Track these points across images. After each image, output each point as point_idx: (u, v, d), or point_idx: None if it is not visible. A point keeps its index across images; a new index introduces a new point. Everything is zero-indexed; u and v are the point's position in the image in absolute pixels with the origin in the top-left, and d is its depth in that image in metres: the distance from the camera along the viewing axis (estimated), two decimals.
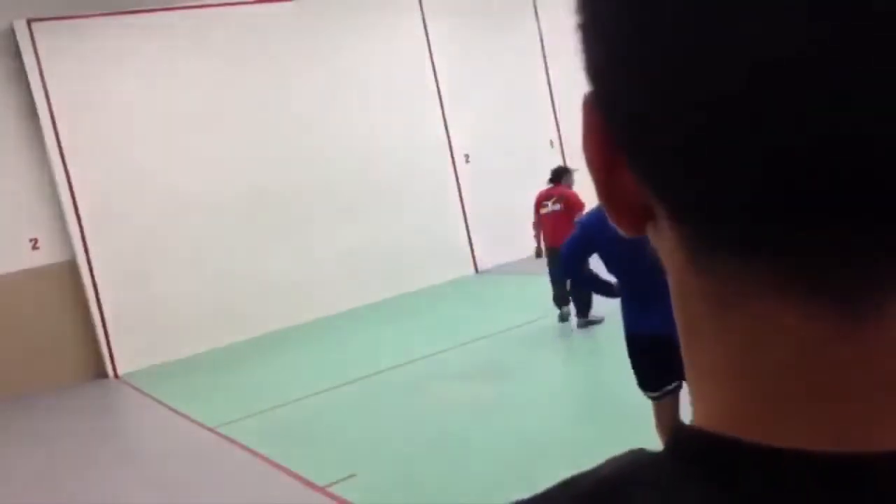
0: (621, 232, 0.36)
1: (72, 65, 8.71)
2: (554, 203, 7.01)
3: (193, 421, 6.29)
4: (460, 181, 10.86)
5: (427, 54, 10.69)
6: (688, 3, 0.28)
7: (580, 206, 6.77)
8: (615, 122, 0.33)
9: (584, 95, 0.34)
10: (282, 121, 9.66)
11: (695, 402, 0.35)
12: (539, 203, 7.16)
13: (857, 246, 0.28)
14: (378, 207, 10.18)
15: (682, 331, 0.35)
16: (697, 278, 0.33)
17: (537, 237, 7.33)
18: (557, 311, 7.21)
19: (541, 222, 7.16)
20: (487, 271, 10.81)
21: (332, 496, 4.29)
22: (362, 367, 6.85)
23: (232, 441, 5.57)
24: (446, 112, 10.77)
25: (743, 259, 0.30)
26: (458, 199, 10.86)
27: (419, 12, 10.59)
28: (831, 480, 0.29)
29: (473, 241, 10.89)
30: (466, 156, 10.86)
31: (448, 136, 10.80)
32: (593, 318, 6.89)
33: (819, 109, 0.26)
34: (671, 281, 0.35)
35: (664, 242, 0.34)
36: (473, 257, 10.89)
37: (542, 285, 7.43)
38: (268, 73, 9.62)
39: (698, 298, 0.33)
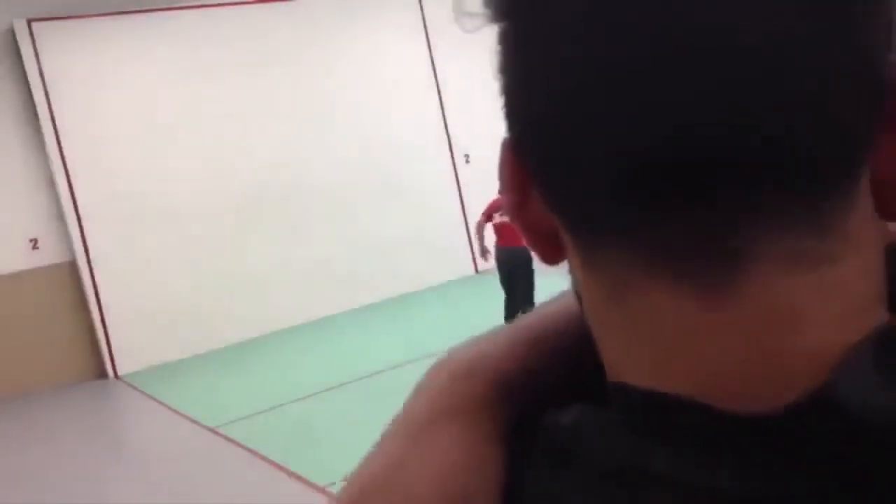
0: (541, 261, 0.40)
1: (72, 65, 8.71)
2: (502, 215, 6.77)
3: (193, 421, 6.29)
4: (460, 181, 10.86)
5: (427, 54, 10.69)
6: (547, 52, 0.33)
7: None
8: (521, 149, 0.37)
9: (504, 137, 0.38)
10: (281, 120, 9.66)
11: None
12: (494, 210, 6.97)
13: (710, 231, 0.32)
14: (377, 207, 10.18)
15: (592, 326, 0.39)
16: (592, 277, 0.37)
17: (482, 238, 7.15)
18: None
19: (494, 226, 6.96)
20: (487, 271, 10.81)
21: (332, 496, 4.29)
22: (363, 366, 6.85)
23: (232, 441, 5.57)
24: (446, 112, 10.77)
25: (617, 252, 0.34)
26: (458, 199, 10.86)
27: (419, 12, 10.59)
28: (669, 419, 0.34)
29: (473, 241, 10.89)
30: (466, 156, 10.86)
31: (448, 136, 10.80)
32: None
33: (652, 114, 0.31)
34: (576, 289, 0.39)
35: (571, 260, 0.38)
36: (473, 257, 10.89)
37: (543, 285, 7.43)
38: (267, 72, 9.62)
39: (595, 294, 0.37)
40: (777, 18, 0.30)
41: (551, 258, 0.39)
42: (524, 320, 0.47)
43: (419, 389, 0.45)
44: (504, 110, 0.37)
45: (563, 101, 0.33)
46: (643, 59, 0.31)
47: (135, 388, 8.09)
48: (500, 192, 0.40)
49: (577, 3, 0.32)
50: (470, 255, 10.89)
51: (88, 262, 8.76)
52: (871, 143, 0.33)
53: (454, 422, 0.42)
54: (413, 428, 0.43)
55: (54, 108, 8.65)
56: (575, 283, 0.40)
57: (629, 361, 0.36)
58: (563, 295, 0.46)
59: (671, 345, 0.34)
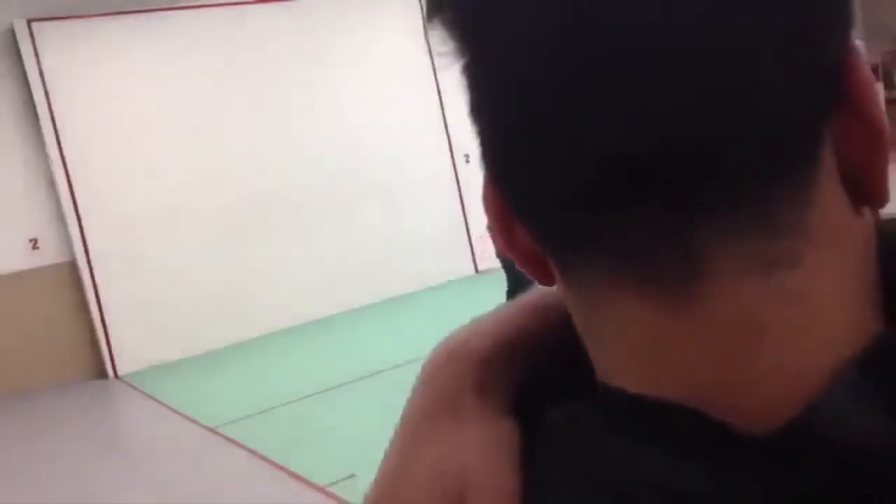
0: (537, 283, 0.41)
1: (72, 65, 8.71)
2: None
3: (193, 421, 6.29)
4: (460, 181, 10.86)
5: (427, 54, 10.69)
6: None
7: None
8: (495, 178, 0.38)
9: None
10: (281, 121, 9.66)
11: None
12: None
13: (667, 237, 0.32)
14: (377, 207, 10.18)
15: (578, 329, 0.40)
16: (571, 293, 0.37)
17: None
18: None
19: None
20: (487, 271, 10.81)
21: (331, 496, 4.29)
22: (362, 366, 6.85)
23: (232, 441, 5.57)
24: (446, 112, 10.77)
25: (587, 266, 0.35)
26: (458, 199, 10.86)
27: (419, 11, 10.59)
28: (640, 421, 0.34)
29: (473, 241, 10.89)
30: (466, 156, 10.85)
31: (448, 136, 10.80)
32: None
33: (599, 127, 0.31)
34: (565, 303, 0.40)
35: (558, 283, 0.39)
36: (473, 257, 10.89)
37: None
38: (267, 73, 9.62)
39: (577, 310, 0.38)
40: (714, 16, 0.30)
41: (545, 280, 0.40)
42: (524, 295, 0.48)
43: (418, 381, 0.46)
44: (477, 141, 0.38)
45: (516, 124, 0.34)
46: (584, 78, 0.31)
47: (135, 388, 8.08)
48: (489, 222, 0.41)
49: (520, 29, 0.33)
50: (470, 255, 10.89)
51: (88, 262, 8.76)
52: (822, 133, 0.32)
53: (446, 414, 0.43)
54: (412, 425, 0.44)
55: (54, 108, 8.64)
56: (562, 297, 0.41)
57: (615, 369, 0.37)
58: None
59: (648, 353, 0.34)
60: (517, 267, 0.41)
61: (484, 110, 0.36)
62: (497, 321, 0.46)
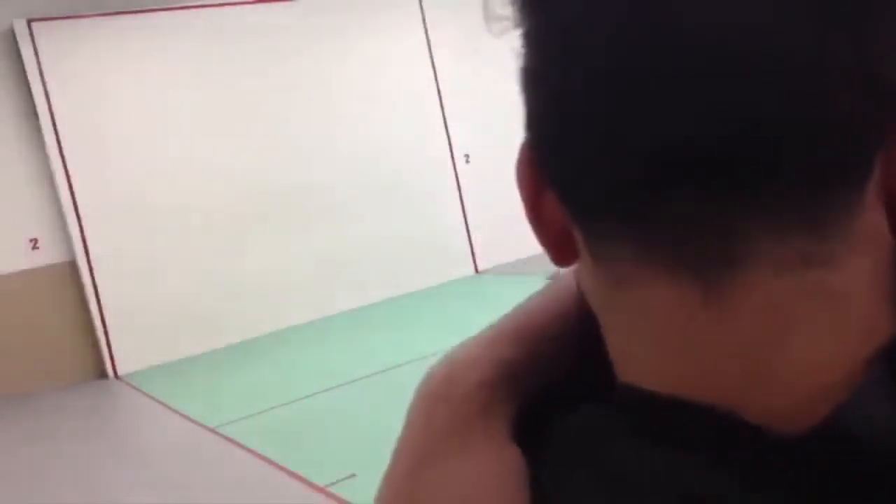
0: (551, 260, 0.41)
1: (72, 65, 8.71)
2: None
3: (193, 421, 6.29)
4: (460, 181, 10.86)
5: (427, 54, 10.69)
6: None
7: None
8: (537, 146, 0.38)
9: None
10: (281, 121, 9.66)
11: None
12: None
13: (709, 225, 0.32)
14: (377, 208, 10.18)
15: (600, 321, 0.39)
16: (599, 270, 0.37)
17: None
18: None
19: None
20: (487, 271, 10.81)
21: (332, 496, 4.29)
22: (362, 367, 6.85)
23: (232, 441, 5.57)
24: (446, 112, 10.77)
25: (622, 243, 0.35)
26: (458, 199, 10.86)
27: (419, 12, 10.59)
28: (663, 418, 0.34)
29: (473, 241, 10.89)
30: (466, 156, 10.86)
31: (448, 136, 10.80)
32: None
33: (662, 113, 0.32)
34: (585, 286, 0.40)
35: (581, 254, 0.39)
36: (473, 257, 10.89)
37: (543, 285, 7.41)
38: (268, 73, 9.62)
39: (603, 288, 0.37)
40: (780, 22, 0.30)
41: (563, 258, 0.40)
42: (510, 315, 0.48)
43: (411, 415, 0.45)
44: (524, 109, 0.39)
45: (577, 98, 0.34)
46: (652, 61, 0.31)
47: (135, 388, 8.08)
48: (518, 186, 0.42)
49: (592, 2, 0.33)
50: (470, 255, 10.89)
51: (88, 262, 8.76)
52: (877, 148, 0.33)
53: (454, 439, 0.42)
54: (417, 450, 0.43)
55: (54, 108, 8.64)
56: (581, 281, 0.40)
57: (635, 358, 0.36)
58: (548, 288, 0.47)
59: (672, 342, 0.34)
60: (539, 243, 0.40)
61: (541, 77, 0.37)
62: (481, 347, 0.45)
